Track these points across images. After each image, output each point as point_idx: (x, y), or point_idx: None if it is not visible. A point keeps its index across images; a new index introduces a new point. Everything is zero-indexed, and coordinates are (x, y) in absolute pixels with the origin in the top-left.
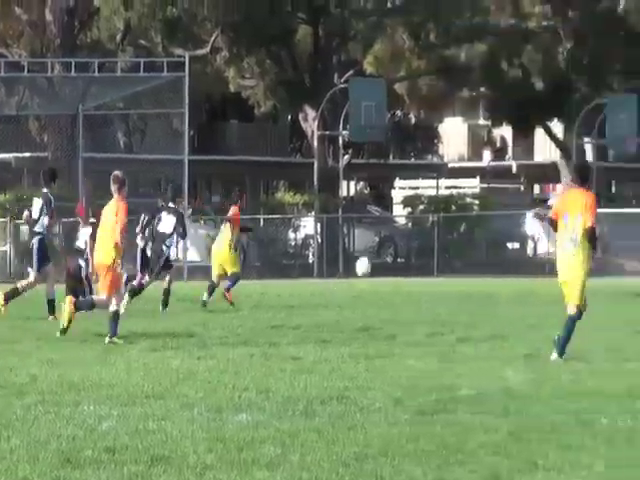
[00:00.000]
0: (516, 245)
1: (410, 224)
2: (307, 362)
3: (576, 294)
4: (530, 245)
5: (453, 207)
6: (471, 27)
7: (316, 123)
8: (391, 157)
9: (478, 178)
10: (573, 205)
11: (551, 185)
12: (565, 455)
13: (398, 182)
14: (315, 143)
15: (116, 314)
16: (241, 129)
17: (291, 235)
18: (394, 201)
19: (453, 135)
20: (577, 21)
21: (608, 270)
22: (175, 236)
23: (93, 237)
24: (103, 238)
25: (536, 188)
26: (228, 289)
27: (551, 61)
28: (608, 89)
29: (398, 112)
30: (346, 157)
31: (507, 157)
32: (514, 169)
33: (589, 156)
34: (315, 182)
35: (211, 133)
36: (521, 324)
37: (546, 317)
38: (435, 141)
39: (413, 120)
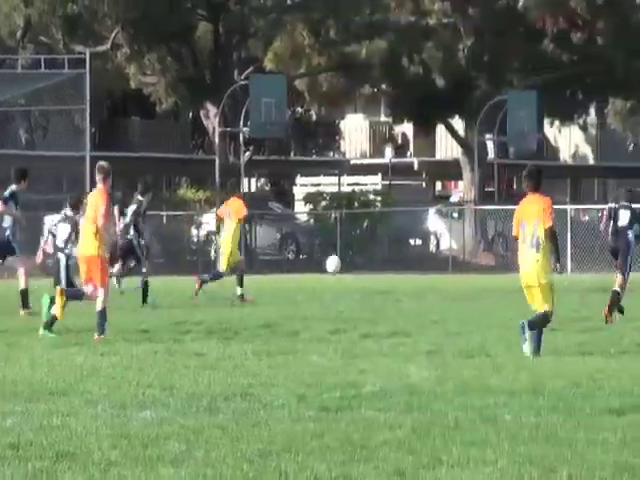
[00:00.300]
0: (419, 241)
1: (312, 221)
2: (211, 359)
3: (546, 299)
4: (432, 241)
5: (355, 204)
6: (371, 24)
7: (217, 120)
8: (292, 154)
9: (380, 175)
10: (529, 212)
11: (453, 182)
12: (469, 451)
13: (300, 179)
14: (216, 140)
15: (103, 311)
16: (143, 126)
17: (193, 232)
18: (296, 198)
19: (354, 132)
20: (477, 18)
21: (510, 267)
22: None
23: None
24: (87, 229)
25: (438, 185)
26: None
27: (451, 58)
28: (508, 85)
29: (299, 109)
30: (247, 154)
31: (408, 154)
32: (416, 166)
33: (490, 153)
34: (217, 178)
35: (112, 129)
36: (424, 320)
37: (448, 313)
38: (336, 138)
39: (314, 117)
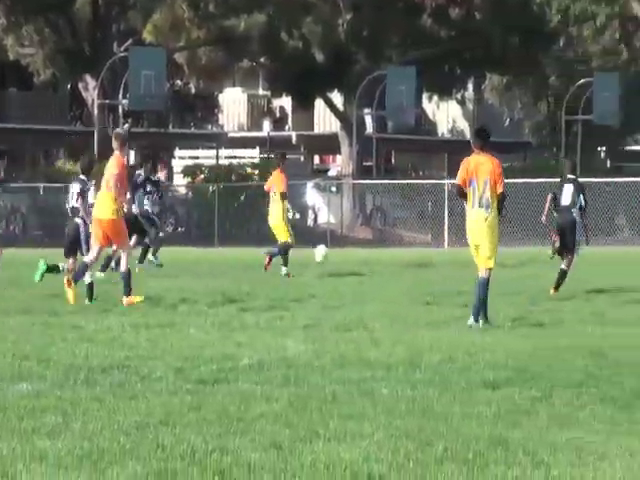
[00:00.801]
0: (297, 215)
1: (190, 194)
2: (88, 331)
3: (489, 258)
4: (310, 215)
5: (233, 177)
6: None
7: (96, 92)
8: (171, 126)
9: (258, 148)
10: (479, 170)
11: (331, 156)
12: (346, 424)
13: (178, 152)
14: (95, 112)
15: (127, 273)
16: (20, 97)
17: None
18: (174, 170)
19: (233, 105)
20: None
21: (387, 241)
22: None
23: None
24: (104, 194)
25: (316, 159)
26: (271, 257)
27: (331, 32)
28: (387, 60)
29: (178, 81)
30: (126, 126)
31: (287, 127)
32: (294, 140)
33: (369, 127)
34: (95, 151)
35: None
36: (302, 294)
37: (326, 287)
38: (215, 111)
39: (193, 90)
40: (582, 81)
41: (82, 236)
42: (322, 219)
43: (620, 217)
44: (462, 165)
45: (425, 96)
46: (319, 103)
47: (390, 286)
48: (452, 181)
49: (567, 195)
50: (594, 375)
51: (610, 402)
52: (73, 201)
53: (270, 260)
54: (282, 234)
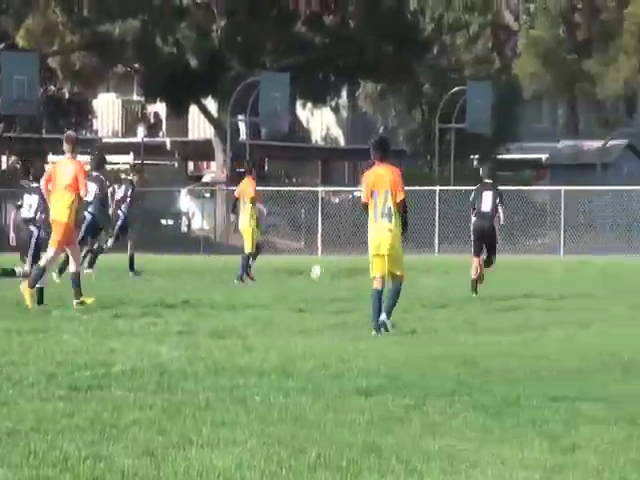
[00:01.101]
0: (170, 222)
1: None
2: None
3: (400, 267)
4: (184, 222)
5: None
6: (124, 3)
7: None
8: (44, 131)
9: (132, 154)
10: (379, 182)
11: (205, 162)
12: (219, 431)
13: (51, 157)
14: None
15: (77, 275)
16: None
17: None
18: None
19: (107, 110)
20: None
21: (263, 248)
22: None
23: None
24: (58, 196)
25: (190, 165)
26: (247, 273)
27: (205, 39)
28: (261, 67)
29: (52, 86)
30: None
31: (161, 134)
32: (168, 146)
33: (242, 134)
34: None
35: None
36: (175, 301)
37: (200, 294)
38: (89, 116)
39: (67, 95)
40: (455, 89)
41: (32, 244)
42: (196, 225)
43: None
44: (363, 181)
45: (299, 103)
46: (193, 109)
47: (263, 293)
48: (326, 188)
49: (487, 201)
50: (466, 383)
51: (482, 410)
52: (28, 212)
53: (248, 274)
54: (248, 241)
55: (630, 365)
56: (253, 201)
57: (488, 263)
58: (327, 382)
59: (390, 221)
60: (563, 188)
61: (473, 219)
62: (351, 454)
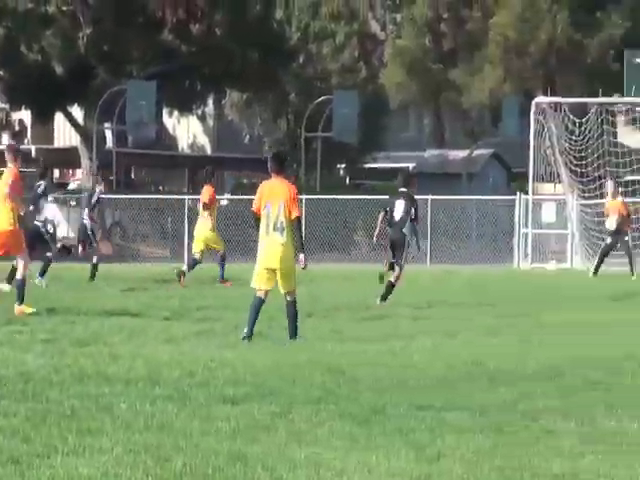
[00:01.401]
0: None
1: None
2: None
3: (291, 282)
4: (50, 229)
5: None
6: None
7: None
8: None
9: None
10: (274, 194)
11: (71, 170)
12: (85, 439)
13: None
14: None
15: (22, 282)
16: None
17: None
18: None
19: None
20: (96, 7)
21: (126, 256)
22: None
23: None
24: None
25: (56, 172)
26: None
27: (71, 46)
28: (128, 75)
29: None
30: None
31: (26, 141)
32: (33, 153)
33: (109, 142)
34: None
35: None
36: (40, 308)
37: (66, 301)
38: None
39: None
40: (322, 98)
41: None
42: (61, 233)
43: (359, 233)
44: (258, 191)
45: (166, 111)
46: (59, 117)
47: (129, 301)
48: (193, 197)
49: (399, 209)
50: (333, 392)
51: (348, 418)
52: None
53: (223, 281)
54: (218, 243)
55: (495, 374)
56: (206, 207)
57: (392, 267)
58: (193, 390)
59: (282, 235)
60: (430, 197)
61: (381, 226)
62: (217, 462)
